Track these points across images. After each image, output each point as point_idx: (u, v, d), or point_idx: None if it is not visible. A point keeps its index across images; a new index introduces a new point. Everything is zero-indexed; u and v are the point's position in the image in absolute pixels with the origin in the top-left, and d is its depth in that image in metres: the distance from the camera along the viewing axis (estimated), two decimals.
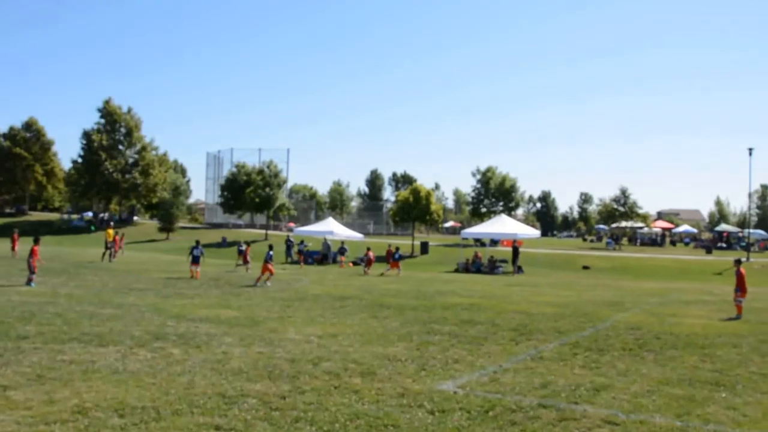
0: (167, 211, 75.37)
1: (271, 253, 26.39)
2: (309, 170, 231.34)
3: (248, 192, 69.29)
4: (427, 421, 7.61)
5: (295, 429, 7.19)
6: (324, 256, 49.47)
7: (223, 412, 7.68)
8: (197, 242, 29.29)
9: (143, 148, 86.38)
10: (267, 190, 69.69)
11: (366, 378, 9.73)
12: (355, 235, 53.91)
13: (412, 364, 10.93)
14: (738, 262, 20.93)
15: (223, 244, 63.40)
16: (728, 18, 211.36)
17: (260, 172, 71.95)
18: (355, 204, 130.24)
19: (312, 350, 11.86)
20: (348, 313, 17.50)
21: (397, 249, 38.92)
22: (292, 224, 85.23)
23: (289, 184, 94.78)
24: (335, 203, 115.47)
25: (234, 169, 76.28)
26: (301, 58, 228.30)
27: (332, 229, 51.91)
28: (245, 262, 36.75)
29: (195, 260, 28.01)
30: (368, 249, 40.22)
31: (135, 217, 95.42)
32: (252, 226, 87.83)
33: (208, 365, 10.19)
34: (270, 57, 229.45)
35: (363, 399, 8.52)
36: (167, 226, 74.66)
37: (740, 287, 19.53)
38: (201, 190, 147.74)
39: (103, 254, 37.49)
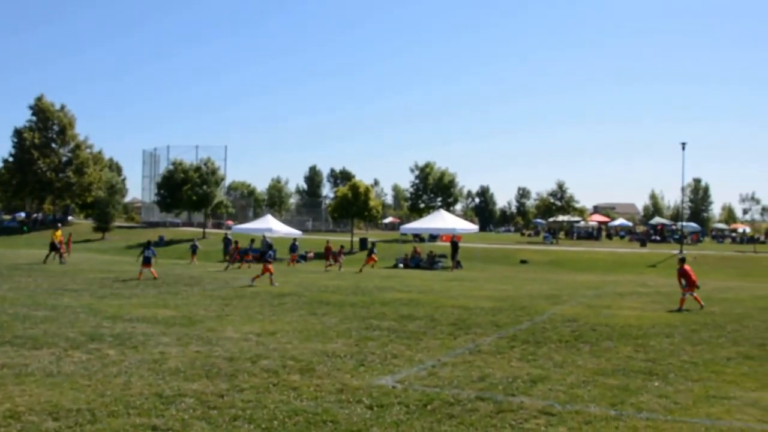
0: (103, 210, 73.84)
1: (271, 252, 26.27)
2: (247, 167, 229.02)
3: (185, 190, 68.35)
4: (366, 416, 7.63)
5: (233, 427, 7.13)
6: (263, 254, 49.08)
7: (160, 412, 7.57)
8: (149, 242, 28.78)
9: (77, 147, 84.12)
10: (204, 187, 68.89)
11: (305, 375, 9.71)
12: (293, 232, 53.67)
13: (351, 359, 10.95)
14: (682, 260, 21.54)
15: (161, 243, 62.38)
16: (659, 10, 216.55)
17: (197, 169, 71.05)
18: (293, 201, 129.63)
19: (250, 348, 11.77)
20: (287, 310, 17.43)
21: (373, 244, 40.55)
22: (230, 222, 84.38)
23: (227, 182, 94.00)
24: (274, 200, 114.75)
25: (171, 167, 75.02)
26: (237, 55, 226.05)
27: (271, 226, 51.59)
28: (233, 260, 37.18)
29: (146, 261, 27.47)
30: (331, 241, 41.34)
31: (69, 217, 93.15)
32: (189, 224, 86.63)
33: (145, 365, 10.03)
34: (207, 54, 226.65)
35: (302, 396, 8.50)
36: (103, 225, 73.14)
37: (688, 283, 20.22)
38: (137, 189, 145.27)
39: (47, 255, 36.36)
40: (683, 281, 20.19)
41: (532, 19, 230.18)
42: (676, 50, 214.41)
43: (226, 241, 49.81)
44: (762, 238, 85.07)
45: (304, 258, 50.17)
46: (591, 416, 7.87)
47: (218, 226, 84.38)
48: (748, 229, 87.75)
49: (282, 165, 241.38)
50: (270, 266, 25.70)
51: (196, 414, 7.55)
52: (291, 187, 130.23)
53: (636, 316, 17.37)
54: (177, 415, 7.46)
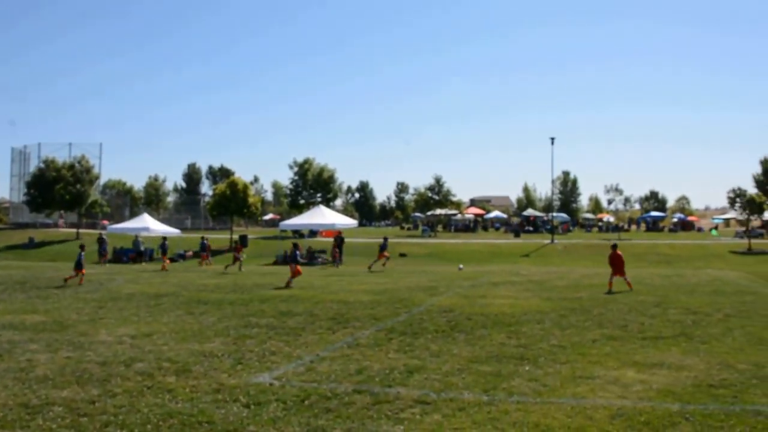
0: None
1: (297, 252, 25.59)
2: (124, 165, 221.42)
3: (58, 189, 65.38)
4: (243, 415, 7.58)
5: None
6: (139, 254, 47.79)
7: (26, 423, 7.27)
8: (82, 246, 27.51)
9: None
10: (78, 186, 66.15)
11: (181, 376, 9.55)
12: (171, 231, 52.48)
13: (228, 358, 10.84)
14: (614, 246, 22.84)
15: (30, 244, 59.57)
16: (526, 4, 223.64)
17: (71, 167, 68.08)
18: (171, 199, 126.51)
19: (124, 351, 11.46)
20: (163, 311, 17.05)
21: (386, 239, 39.39)
22: (105, 222, 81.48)
23: (103, 180, 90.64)
24: (151, 199, 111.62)
25: (42, 165, 71.54)
26: (114, 51, 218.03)
27: (148, 225, 50.27)
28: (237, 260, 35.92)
29: (78, 265, 26.01)
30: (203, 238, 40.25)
31: None
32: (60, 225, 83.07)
33: (11, 374, 9.59)
34: (83, 50, 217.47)
35: (177, 397, 8.35)
36: None
37: (617, 267, 22.07)
38: (5, 188, 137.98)
39: None
40: (614, 267, 22.12)
41: (408, 21, 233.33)
42: (545, 44, 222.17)
43: (101, 241, 48.19)
44: (626, 226, 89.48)
45: (182, 257, 49.13)
46: (464, 403, 8.10)
47: (93, 226, 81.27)
48: (612, 219, 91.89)
49: (160, 163, 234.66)
50: (298, 267, 25.09)
51: (65, 423, 7.29)
52: (169, 185, 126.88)
53: (509, 304, 17.94)
54: (44, 425, 7.18)
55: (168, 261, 40.02)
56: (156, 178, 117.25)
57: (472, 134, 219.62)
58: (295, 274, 24.50)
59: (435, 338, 12.82)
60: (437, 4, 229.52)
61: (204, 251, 42.48)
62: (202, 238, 44.11)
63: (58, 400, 8.16)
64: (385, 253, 37.30)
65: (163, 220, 68.25)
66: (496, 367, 10.11)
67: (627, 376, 9.48)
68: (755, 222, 66.00)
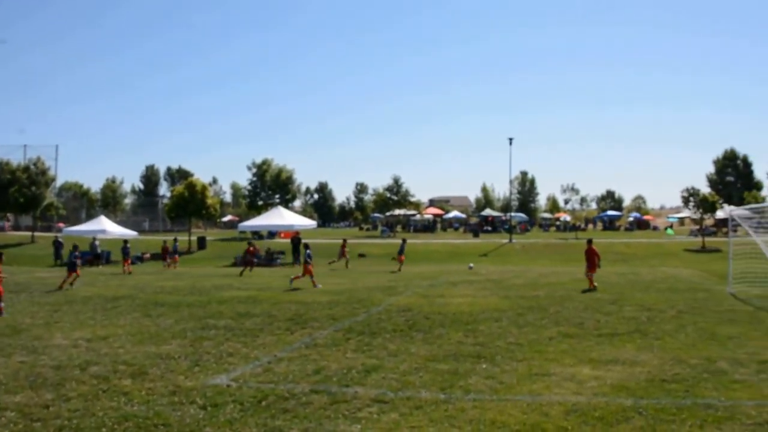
0: None
1: (309, 251, 25.24)
2: (81, 168, 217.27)
3: (12, 192, 64.08)
4: (199, 417, 7.54)
5: None
6: (96, 257, 47.07)
7: None
8: (75, 247, 27.11)
9: None
10: (33, 189, 64.93)
11: (137, 379, 9.46)
12: (128, 233, 51.72)
13: (185, 360, 10.77)
14: (589, 242, 23.14)
15: None
16: (479, 9, 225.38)
17: (26, 169, 66.77)
18: (129, 201, 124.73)
19: (80, 355, 11.31)
20: (120, 314, 16.86)
21: (404, 240, 37.86)
22: (61, 224, 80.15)
23: (59, 182, 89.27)
24: (108, 201, 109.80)
25: None
26: (72, 48, 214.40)
27: (104, 227, 49.54)
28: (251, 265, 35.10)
29: (72, 267, 25.43)
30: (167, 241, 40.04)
31: None
32: (17, 228, 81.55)
33: None
34: (36, 46, 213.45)
35: (133, 400, 8.28)
36: None
37: (590, 264, 22.44)
38: None
39: None
40: (588, 262, 22.53)
41: (360, 24, 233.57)
42: (502, 46, 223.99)
43: (57, 244, 47.43)
44: (582, 225, 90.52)
45: (140, 259, 48.53)
46: (422, 401, 8.15)
47: (48, 229, 79.90)
48: (569, 218, 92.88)
49: (118, 165, 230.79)
50: (311, 267, 24.89)
51: (18, 428, 7.19)
52: (127, 187, 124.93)
53: (468, 303, 18.08)
54: None
55: (129, 264, 39.13)
56: (113, 180, 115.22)
57: (431, 134, 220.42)
58: (308, 273, 24.58)
59: (393, 337, 12.87)
60: (382, 7, 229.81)
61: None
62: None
63: (10, 405, 8.04)
64: (402, 257, 36.00)
65: (121, 223, 67.28)
66: (453, 366, 10.18)
67: (582, 373, 9.62)
68: (708, 221, 67.19)
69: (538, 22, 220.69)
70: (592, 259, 22.42)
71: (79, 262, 26.47)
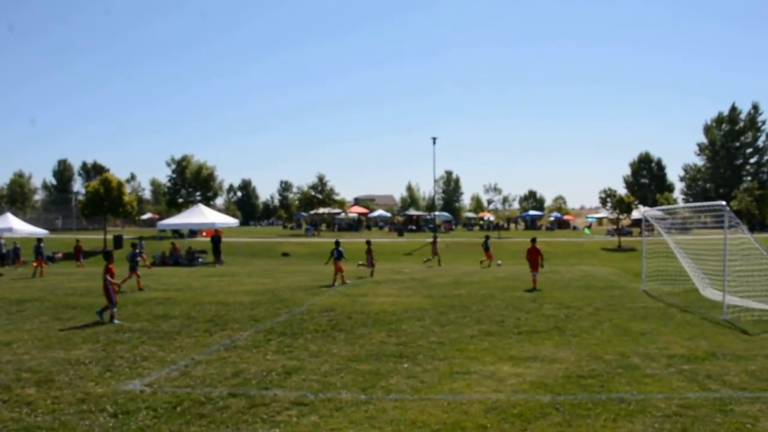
0: None
1: (340, 249, 24.55)
2: None
3: None
4: (109, 425, 7.25)
5: None
6: (2, 256, 45.24)
7: None
8: (134, 244, 26.19)
9: None
10: None
11: (42, 387, 9.04)
12: (39, 231, 49.83)
13: (96, 366, 10.36)
14: (533, 240, 23.17)
15: None
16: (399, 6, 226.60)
17: None
18: (40, 197, 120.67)
19: None
20: (26, 318, 16.18)
21: (487, 237, 37.64)
22: None
23: None
24: (15, 197, 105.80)
25: None
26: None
27: (11, 225, 47.64)
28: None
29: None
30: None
31: None
32: None
33: None
34: None
35: (37, 410, 7.90)
36: None
37: (533, 263, 22.37)
38: None
39: None
40: (531, 262, 22.49)
41: (290, 18, 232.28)
42: (429, 48, 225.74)
43: None
44: (505, 225, 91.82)
45: (51, 259, 46.89)
46: (342, 402, 8.04)
47: None
48: (493, 218, 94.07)
49: (27, 158, 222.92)
50: (341, 264, 24.53)
51: None
52: (37, 182, 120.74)
53: (391, 302, 18.03)
54: None
55: (38, 264, 37.13)
56: (21, 175, 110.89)
57: (356, 132, 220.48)
58: (338, 270, 24.43)
59: (315, 338, 12.71)
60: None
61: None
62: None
63: None
64: (490, 253, 35.81)
65: (30, 220, 64.78)
66: (375, 366, 10.10)
67: (502, 371, 9.67)
68: (625, 221, 69.01)
69: (467, 40, 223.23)
70: (534, 258, 22.46)
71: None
